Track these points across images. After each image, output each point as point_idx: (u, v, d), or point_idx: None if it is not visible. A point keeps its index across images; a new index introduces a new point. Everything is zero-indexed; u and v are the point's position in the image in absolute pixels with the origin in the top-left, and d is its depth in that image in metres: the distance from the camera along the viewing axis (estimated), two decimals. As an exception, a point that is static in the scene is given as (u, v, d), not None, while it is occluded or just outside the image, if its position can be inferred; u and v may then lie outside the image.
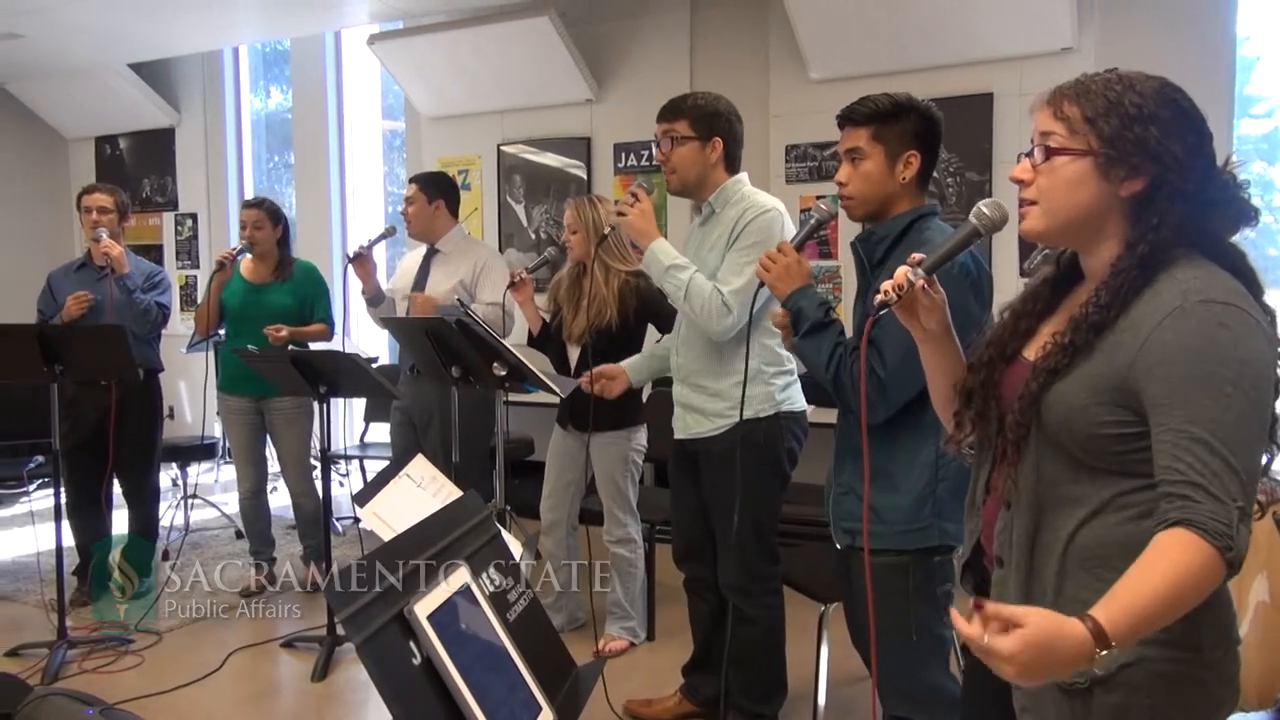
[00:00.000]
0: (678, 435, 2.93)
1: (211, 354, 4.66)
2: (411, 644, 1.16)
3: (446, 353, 3.20)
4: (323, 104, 6.54)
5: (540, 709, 1.31)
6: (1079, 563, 1.33)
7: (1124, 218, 1.33)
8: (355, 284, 4.11)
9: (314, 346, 4.19)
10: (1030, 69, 4.28)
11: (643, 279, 3.35)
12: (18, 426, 5.07)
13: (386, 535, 1.76)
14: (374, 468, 5.51)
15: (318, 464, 4.19)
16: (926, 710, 2.16)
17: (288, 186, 7.28)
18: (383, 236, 4.12)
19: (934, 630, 2.12)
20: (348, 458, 5.81)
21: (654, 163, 2.98)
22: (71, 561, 4.06)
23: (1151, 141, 1.28)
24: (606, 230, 3.37)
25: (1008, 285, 3.82)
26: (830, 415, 2.34)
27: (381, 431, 5.34)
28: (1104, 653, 1.12)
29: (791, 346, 2.25)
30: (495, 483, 3.33)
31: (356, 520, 4.77)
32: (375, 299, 4.07)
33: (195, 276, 7.02)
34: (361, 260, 3.95)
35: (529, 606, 1.46)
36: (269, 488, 4.49)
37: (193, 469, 5.52)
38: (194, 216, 7.10)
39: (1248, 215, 1.34)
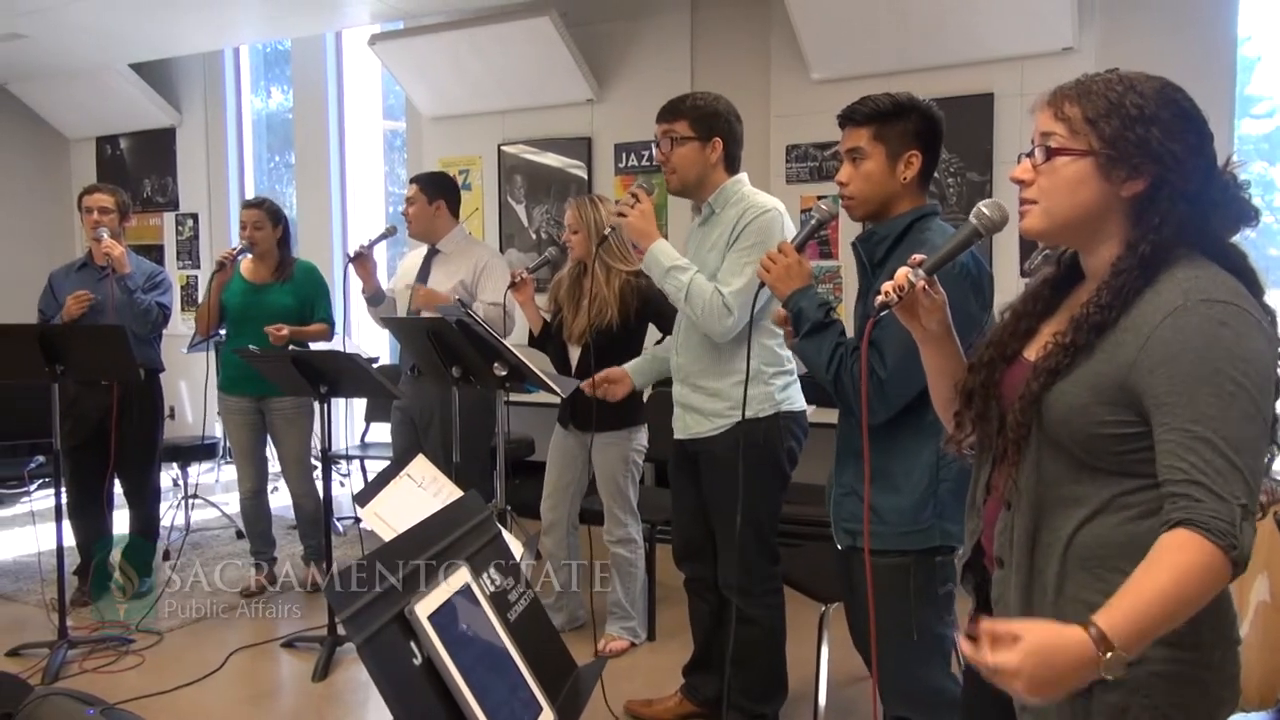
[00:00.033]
0: (677, 435, 2.93)
1: (212, 354, 4.66)
2: (412, 644, 1.16)
3: (447, 353, 3.21)
4: (323, 104, 6.54)
5: (541, 709, 1.31)
6: (1080, 563, 1.33)
7: (1125, 218, 1.33)
8: (356, 283, 4.11)
9: (314, 347, 4.19)
10: (1031, 69, 4.28)
11: (643, 279, 3.35)
12: (19, 426, 5.08)
13: (387, 535, 1.76)
14: (375, 468, 5.51)
15: (318, 464, 4.20)
16: (927, 711, 2.16)
17: (288, 187, 7.28)
18: (383, 236, 4.12)
19: (935, 631, 2.12)
20: (348, 458, 5.81)
21: (655, 163, 2.98)
22: (72, 561, 4.06)
23: (1153, 142, 1.28)
24: (607, 231, 3.37)
25: (1008, 285, 3.83)
26: (831, 415, 2.34)
27: (382, 431, 5.34)
28: (1109, 656, 1.12)
29: (793, 346, 2.25)
30: (496, 483, 3.33)
31: (357, 520, 4.77)
32: (375, 298, 4.07)
33: (196, 277, 7.02)
34: (362, 259, 3.95)
35: (530, 606, 1.46)
36: (270, 488, 4.49)
37: (193, 469, 5.52)
38: (195, 216, 7.11)
39: (1248, 215, 1.34)
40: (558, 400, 3.30)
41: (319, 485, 4.01)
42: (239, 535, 4.99)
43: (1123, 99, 1.30)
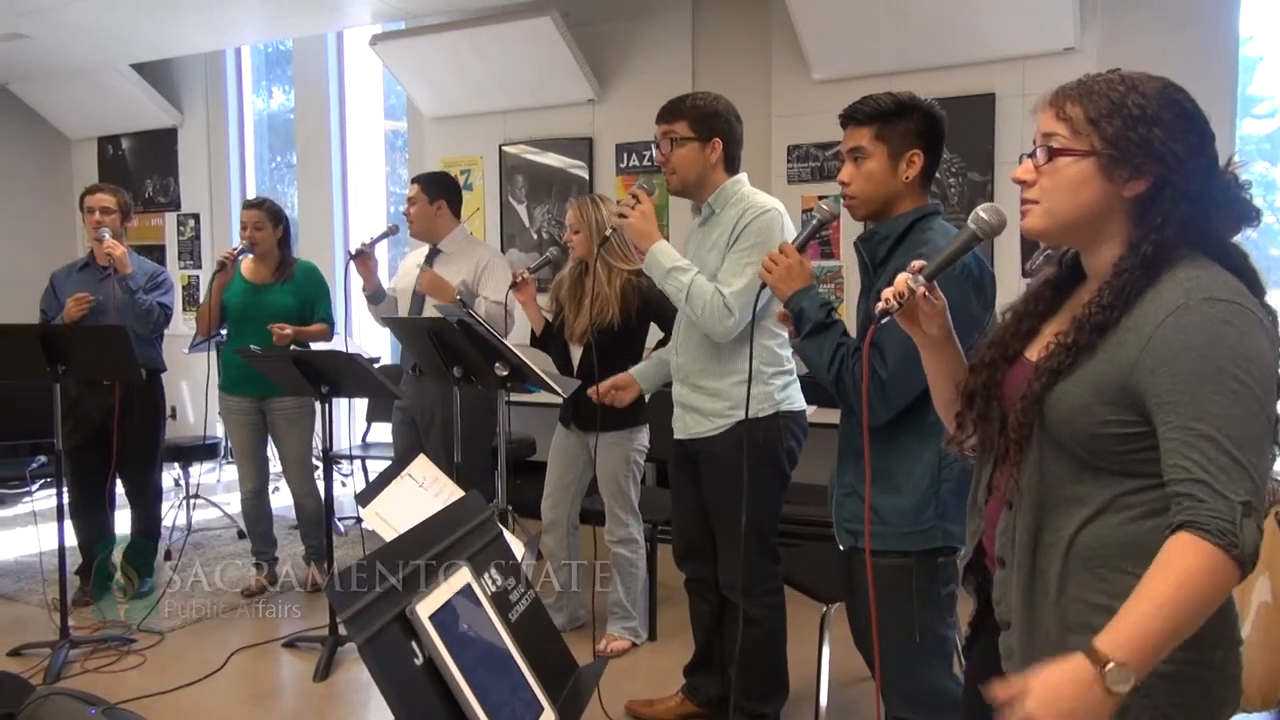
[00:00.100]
0: (677, 435, 2.93)
1: (213, 354, 4.66)
2: (413, 644, 1.16)
3: (449, 353, 3.21)
4: (325, 104, 6.55)
5: (542, 709, 1.31)
6: (1081, 563, 1.33)
7: (1127, 218, 1.33)
8: (356, 282, 4.11)
9: (314, 347, 4.19)
10: (1032, 69, 4.28)
11: (645, 278, 3.34)
12: (20, 426, 5.09)
13: (388, 535, 1.76)
14: (376, 468, 5.51)
15: (319, 464, 4.20)
16: (929, 712, 2.15)
17: (290, 187, 7.29)
18: (385, 235, 4.13)
19: (937, 631, 2.11)
20: (350, 458, 5.81)
21: (655, 163, 2.98)
22: (74, 561, 4.06)
23: (1155, 142, 1.28)
24: (608, 232, 3.37)
25: (1010, 286, 3.83)
26: (831, 416, 2.34)
27: (383, 431, 5.34)
28: (1109, 668, 1.13)
29: (795, 346, 2.25)
30: (497, 483, 3.33)
31: (358, 520, 4.77)
32: (376, 296, 4.07)
33: (197, 277, 7.03)
34: (363, 257, 3.95)
35: (531, 606, 1.46)
36: (271, 488, 4.49)
37: (195, 469, 5.52)
38: (196, 217, 7.11)
39: (1250, 215, 1.34)
40: (559, 400, 3.30)
41: (320, 485, 4.00)
42: (240, 535, 4.99)
43: (1125, 99, 1.30)
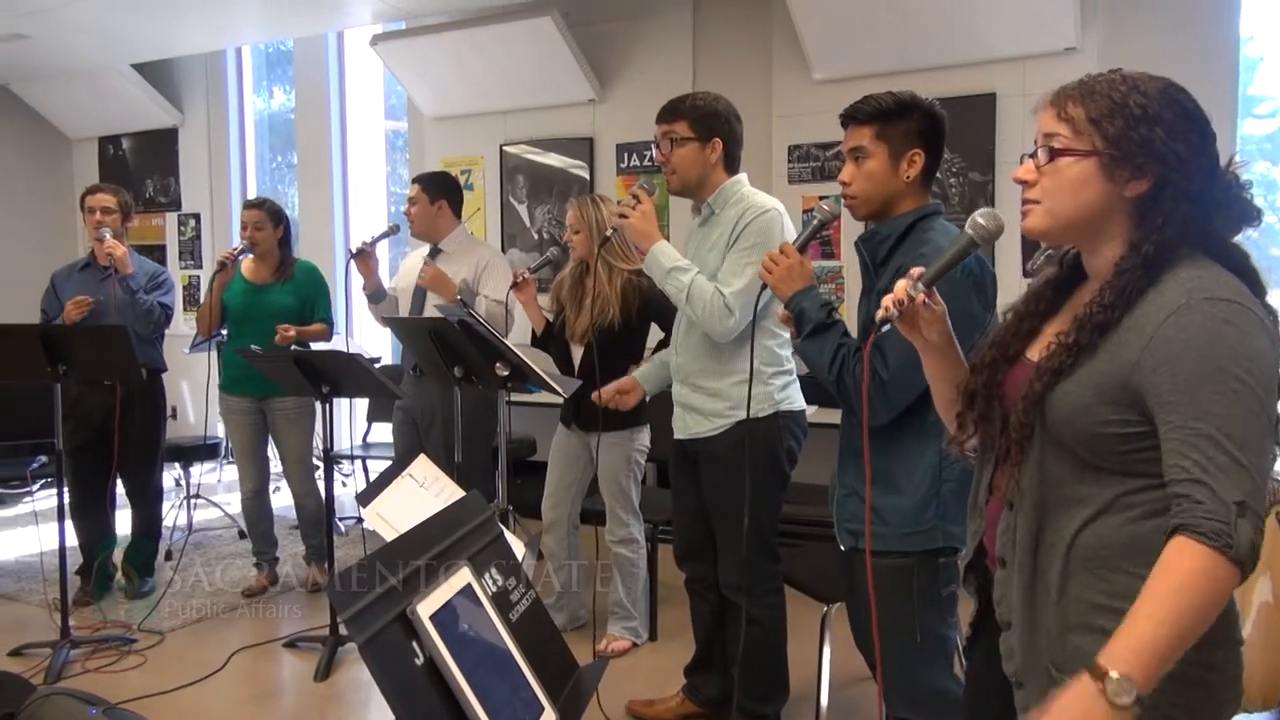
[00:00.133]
0: (677, 435, 2.93)
1: (214, 354, 4.67)
2: (414, 644, 1.15)
3: (449, 353, 3.21)
4: (325, 104, 6.55)
5: (543, 709, 1.31)
6: (1082, 563, 1.33)
7: (1128, 218, 1.33)
8: (357, 282, 4.11)
9: (313, 346, 4.19)
10: (1033, 69, 4.28)
11: (645, 278, 3.34)
12: (21, 426, 5.09)
13: (389, 535, 1.76)
14: (376, 468, 5.52)
15: (320, 464, 4.20)
16: (930, 713, 2.15)
17: (290, 187, 7.29)
18: (386, 234, 4.13)
19: (938, 632, 2.11)
20: (350, 458, 5.82)
21: (656, 163, 2.98)
22: (74, 561, 4.06)
23: (1156, 142, 1.28)
24: (609, 232, 3.37)
25: (1011, 286, 3.83)
26: (832, 416, 2.34)
27: (384, 431, 5.34)
28: (1111, 677, 1.12)
29: (795, 347, 2.25)
30: (498, 483, 3.33)
31: (359, 520, 4.78)
32: (376, 295, 4.08)
33: (198, 277, 7.03)
34: (364, 256, 3.96)
35: (531, 606, 1.46)
36: (271, 488, 4.49)
37: (195, 469, 5.53)
38: (197, 217, 7.11)
39: (1251, 215, 1.34)
40: (560, 400, 3.30)
41: (321, 485, 4.00)
42: (241, 535, 4.99)
43: (1126, 99, 1.30)
